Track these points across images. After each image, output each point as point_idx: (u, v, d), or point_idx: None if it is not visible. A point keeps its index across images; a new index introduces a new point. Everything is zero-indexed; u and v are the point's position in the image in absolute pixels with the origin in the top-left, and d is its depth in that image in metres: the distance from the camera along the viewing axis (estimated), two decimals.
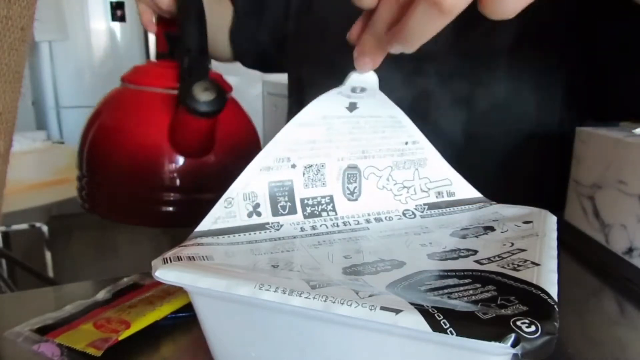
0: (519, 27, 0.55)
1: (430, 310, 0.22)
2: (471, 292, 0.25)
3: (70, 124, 3.26)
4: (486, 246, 0.33)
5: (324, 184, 0.37)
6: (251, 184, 0.34)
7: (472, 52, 0.59)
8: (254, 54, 0.81)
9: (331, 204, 0.37)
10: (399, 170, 0.40)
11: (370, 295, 0.24)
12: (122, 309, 0.39)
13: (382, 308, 0.23)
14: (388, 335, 0.23)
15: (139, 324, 0.37)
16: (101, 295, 0.42)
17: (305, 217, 0.36)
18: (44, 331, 0.37)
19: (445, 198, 0.41)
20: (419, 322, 0.22)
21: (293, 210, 0.35)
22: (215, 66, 0.65)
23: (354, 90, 0.34)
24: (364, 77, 0.34)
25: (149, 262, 0.31)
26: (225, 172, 0.45)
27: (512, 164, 0.62)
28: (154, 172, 0.53)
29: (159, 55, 0.60)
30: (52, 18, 2.97)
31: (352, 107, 0.36)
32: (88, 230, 2.99)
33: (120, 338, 0.35)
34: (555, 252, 0.31)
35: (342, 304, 0.23)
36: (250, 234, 0.33)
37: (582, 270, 0.50)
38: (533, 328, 0.21)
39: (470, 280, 0.27)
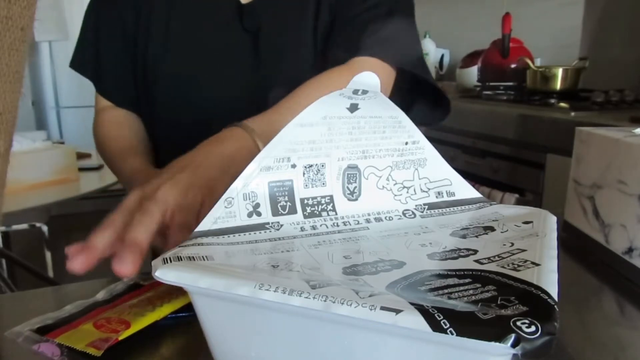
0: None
1: (430, 310, 0.22)
2: (471, 292, 0.25)
3: (70, 124, 3.26)
4: (486, 246, 0.32)
5: (324, 183, 0.37)
6: (251, 184, 0.34)
7: None
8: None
9: (331, 204, 0.37)
10: (398, 170, 0.40)
11: (370, 295, 0.24)
12: (122, 309, 0.39)
13: (382, 308, 0.23)
14: (388, 335, 0.23)
15: (139, 324, 0.37)
16: (101, 295, 0.42)
17: (305, 217, 0.36)
18: (44, 331, 0.37)
19: (445, 198, 0.41)
20: (419, 322, 0.22)
21: (293, 210, 0.35)
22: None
23: (355, 92, 0.34)
24: (367, 80, 0.34)
25: (149, 262, 0.31)
26: None
27: None
28: None
29: None
30: (52, 18, 2.97)
31: (353, 108, 0.36)
32: (88, 230, 2.98)
33: (120, 338, 0.35)
34: (555, 252, 0.31)
35: (342, 304, 0.23)
36: (250, 234, 0.33)
37: (582, 270, 0.50)
38: (533, 328, 0.21)
39: (470, 280, 0.27)
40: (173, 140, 0.72)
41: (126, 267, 0.33)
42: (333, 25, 0.73)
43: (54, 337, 0.36)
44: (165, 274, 0.27)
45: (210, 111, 0.71)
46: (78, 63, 0.82)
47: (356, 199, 0.38)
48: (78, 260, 0.36)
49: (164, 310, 0.38)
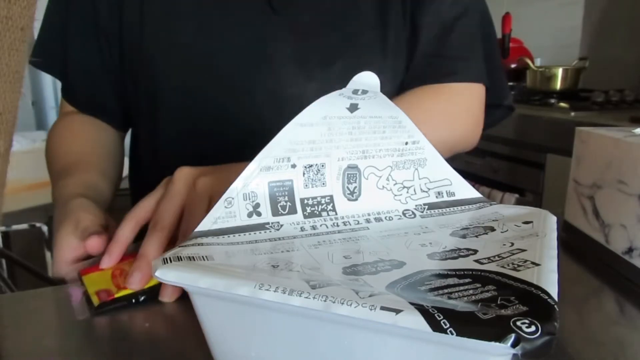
0: None
1: (430, 310, 0.22)
2: (471, 292, 0.25)
3: None
4: (486, 246, 0.33)
5: (324, 183, 0.37)
6: (251, 184, 0.34)
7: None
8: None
9: (331, 204, 0.37)
10: (398, 170, 0.40)
11: (370, 295, 0.24)
12: None
13: (382, 308, 0.23)
14: (388, 335, 0.23)
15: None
16: None
17: (305, 217, 0.36)
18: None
19: (445, 198, 0.41)
20: (419, 322, 0.22)
21: (293, 210, 0.35)
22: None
23: (355, 92, 0.34)
24: (366, 80, 0.34)
25: None
26: None
27: None
28: None
29: None
30: None
31: (353, 107, 0.36)
32: None
33: (116, 296, 0.38)
34: (555, 252, 0.31)
35: (342, 304, 0.23)
36: (250, 234, 0.33)
37: (582, 270, 0.50)
38: (533, 328, 0.21)
39: (470, 279, 0.27)
40: (178, 146, 0.65)
41: (135, 285, 0.38)
42: (414, 24, 0.58)
43: (83, 274, 0.40)
44: (165, 274, 0.27)
45: (221, 110, 0.60)
46: (41, 59, 0.65)
47: (356, 199, 0.38)
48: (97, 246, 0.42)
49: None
